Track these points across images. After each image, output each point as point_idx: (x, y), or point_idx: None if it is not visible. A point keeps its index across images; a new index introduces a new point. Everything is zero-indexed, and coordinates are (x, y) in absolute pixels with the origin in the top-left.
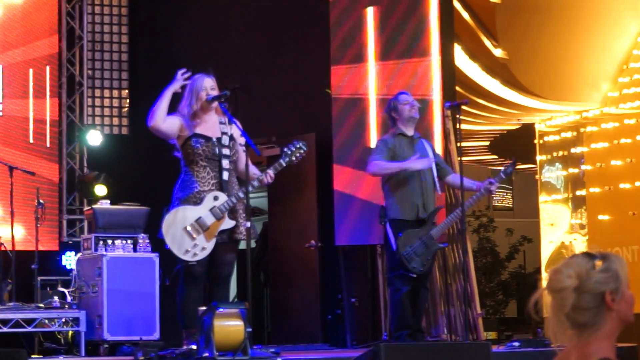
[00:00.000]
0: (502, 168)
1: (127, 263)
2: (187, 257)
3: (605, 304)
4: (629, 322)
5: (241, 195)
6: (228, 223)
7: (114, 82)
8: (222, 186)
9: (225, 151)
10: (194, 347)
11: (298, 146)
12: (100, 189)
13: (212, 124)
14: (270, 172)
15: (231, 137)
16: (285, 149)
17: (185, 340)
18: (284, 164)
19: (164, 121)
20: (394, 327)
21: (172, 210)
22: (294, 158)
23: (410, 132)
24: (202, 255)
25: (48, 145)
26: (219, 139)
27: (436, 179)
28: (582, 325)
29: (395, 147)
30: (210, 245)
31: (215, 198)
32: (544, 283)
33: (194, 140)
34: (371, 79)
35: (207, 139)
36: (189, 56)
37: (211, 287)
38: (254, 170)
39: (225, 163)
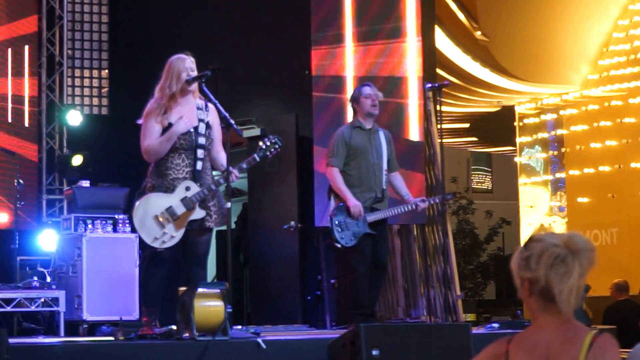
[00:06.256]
0: (441, 196)
1: (107, 243)
2: (155, 244)
3: None
4: None
5: (213, 187)
6: (198, 213)
7: (94, 62)
8: (195, 175)
9: (201, 140)
10: (174, 327)
11: (273, 141)
12: (77, 159)
13: (189, 110)
14: (235, 171)
15: (207, 125)
16: (261, 144)
17: (144, 318)
18: (258, 159)
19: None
20: (348, 306)
21: (143, 197)
22: (268, 153)
23: (368, 125)
24: (170, 243)
25: (27, 124)
26: (196, 128)
27: (385, 171)
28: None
29: (352, 140)
30: (179, 234)
31: (187, 188)
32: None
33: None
34: (351, 61)
35: (185, 131)
36: (169, 37)
37: (188, 268)
38: (222, 162)
39: (200, 153)
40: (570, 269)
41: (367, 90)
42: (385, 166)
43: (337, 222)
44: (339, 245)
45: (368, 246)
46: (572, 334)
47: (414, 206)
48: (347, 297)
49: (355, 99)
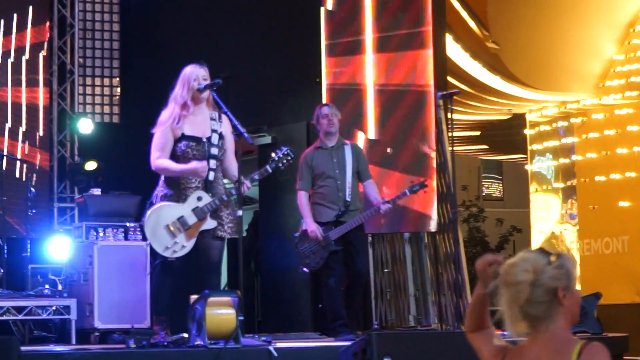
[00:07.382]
0: (410, 185)
1: (118, 251)
2: (166, 254)
3: (557, 299)
4: (575, 322)
5: (225, 198)
6: (210, 223)
7: (105, 70)
8: (207, 186)
9: (214, 151)
10: (186, 335)
11: (285, 152)
12: (90, 165)
13: (202, 120)
14: (247, 182)
15: (220, 135)
16: (273, 155)
17: (155, 327)
18: (270, 170)
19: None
20: (329, 318)
21: (155, 207)
22: (280, 164)
23: (330, 143)
24: (181, 253)
25: (41, 133)
26: (209, 139)
27: (348, 184)
28: (534, 318)
29: (313, 162)
30: (190, 244)
31: (199, 199)
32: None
33: (184, 144)
34: (366, 69)
35: (198, 140)
36: (180, 45)
37: (201, 275)
38: (234, 172)
39: (212, 163)
40: (503, 297)
41: (325, 110)
42: (349, 179)
43: (301, 250)
44: (307, 270)
45: (337, 261)
46: (561, 346)
47: (377, 209)
48: (327, 310)
49: (316, 120)
